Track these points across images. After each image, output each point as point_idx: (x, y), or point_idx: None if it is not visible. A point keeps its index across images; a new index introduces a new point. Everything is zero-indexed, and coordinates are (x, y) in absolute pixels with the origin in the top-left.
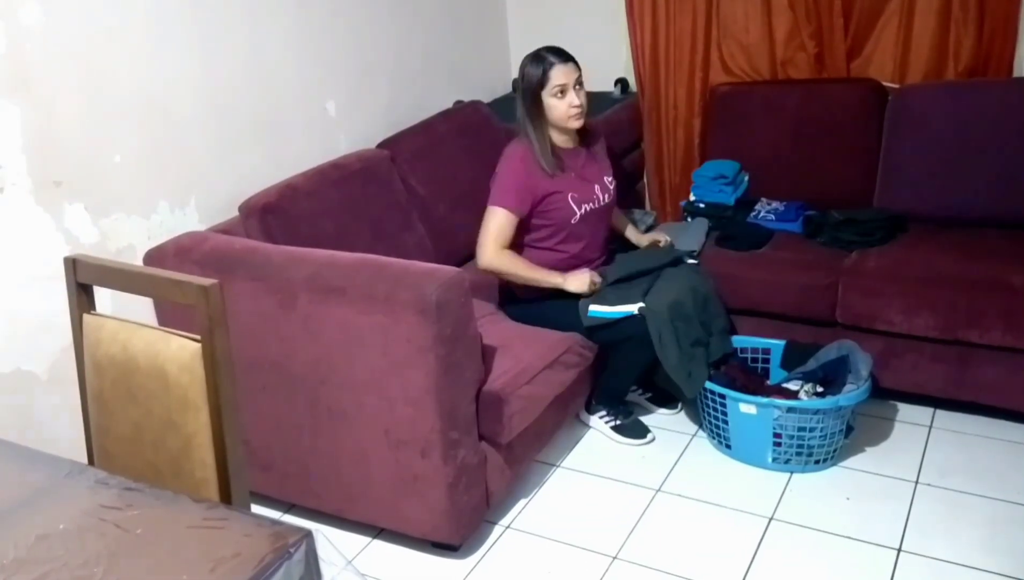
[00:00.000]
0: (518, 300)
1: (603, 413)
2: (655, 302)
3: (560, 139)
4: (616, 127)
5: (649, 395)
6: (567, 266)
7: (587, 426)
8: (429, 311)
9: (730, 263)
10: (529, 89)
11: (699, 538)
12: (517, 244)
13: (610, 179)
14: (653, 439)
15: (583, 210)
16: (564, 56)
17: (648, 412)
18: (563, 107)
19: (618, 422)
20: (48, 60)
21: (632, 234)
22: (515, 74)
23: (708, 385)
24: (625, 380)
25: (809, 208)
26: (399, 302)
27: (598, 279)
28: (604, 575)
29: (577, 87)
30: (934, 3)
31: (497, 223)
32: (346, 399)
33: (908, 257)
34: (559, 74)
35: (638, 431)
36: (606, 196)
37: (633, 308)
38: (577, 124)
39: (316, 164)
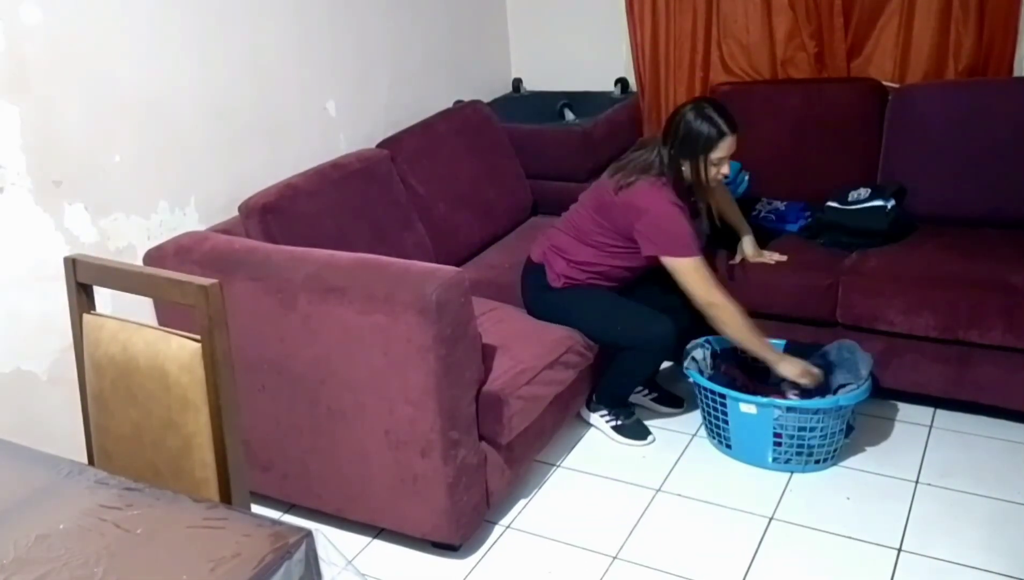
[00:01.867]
0: (551, 290)
1: (604, 412)
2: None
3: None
4: (616, 127)
5: (654, 396)
6: (616, 276)
7: (587, 424)
8: (429, 311)
9: (731, 264)
10: (693, 146)
11: (699, 538)
12: (586, 242)
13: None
14: (653, 440)
15: None
16: (734, 127)
17: (653, 413)
18: (714, 172)
19: (619, 422)
20: (48, 60)
21: (748, 246)
22: (515, 74)
23: (708, 385)
24: (629, 384)
25: (810, 208)
26: (399, 302)
27: (815, 370)
28: (604, 575)
29: (731, 159)
30: (934, 3)
31: (702, 273)
32: (346, 399)
33: (908, 257)
34: (727, 146)
35: (639, 432)
36: (702, 240)
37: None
38: (715, 185)
39: (316, 164)
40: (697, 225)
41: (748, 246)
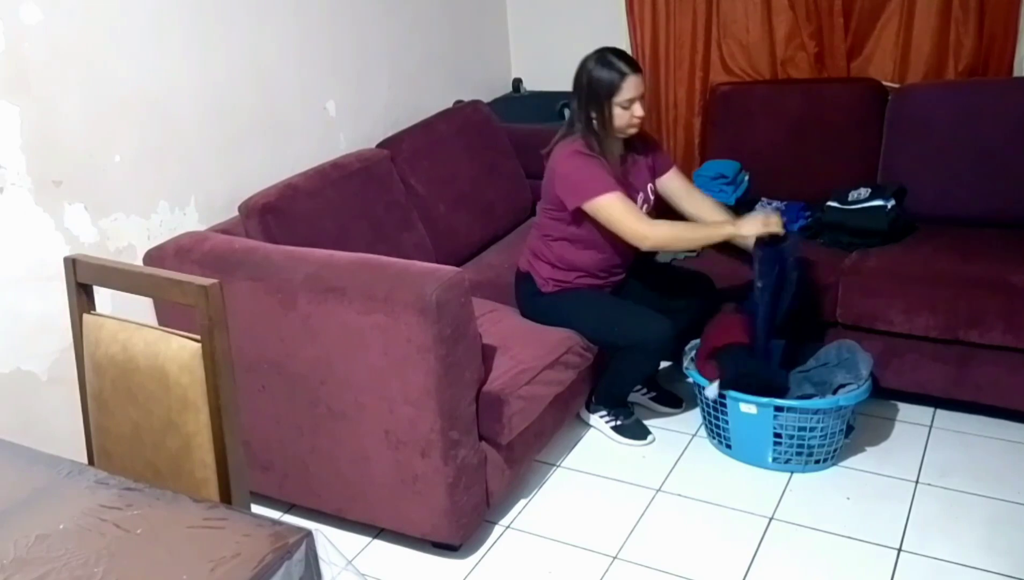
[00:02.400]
0: (543, 296)
1: (603, 413)
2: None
3: (610, 144)
4: None
5: (653, 395)
6: (596, 267)
7: (587, 424)
8: (429, 311)
9: (730, 263)
10: (595, 91)
11: (699, 538)
12: (551, 237)
13: (653, 188)
14: (653, 440)
15: None
16: (636, 67)
17: (652, 412)
18: (626, 117)
19: (619, 422)
20: (48, 60)
21: (747, 225)
22: (515, 74)
23: (708, 384)
24: (627, 384)
25: (810, 207)
26: (399, 302)
27: (773, 217)
28: (604, 575)
29: (641, 99)
30: (934, 3)
31: (620, 206)
32: (346, 399)
33: (908, 257)
34: (631, 87)
35: (639, 432)
36: (646, 206)
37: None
38: (633, 132)
39: (316, 164)
40: (623, 172)
41: (747, 226)
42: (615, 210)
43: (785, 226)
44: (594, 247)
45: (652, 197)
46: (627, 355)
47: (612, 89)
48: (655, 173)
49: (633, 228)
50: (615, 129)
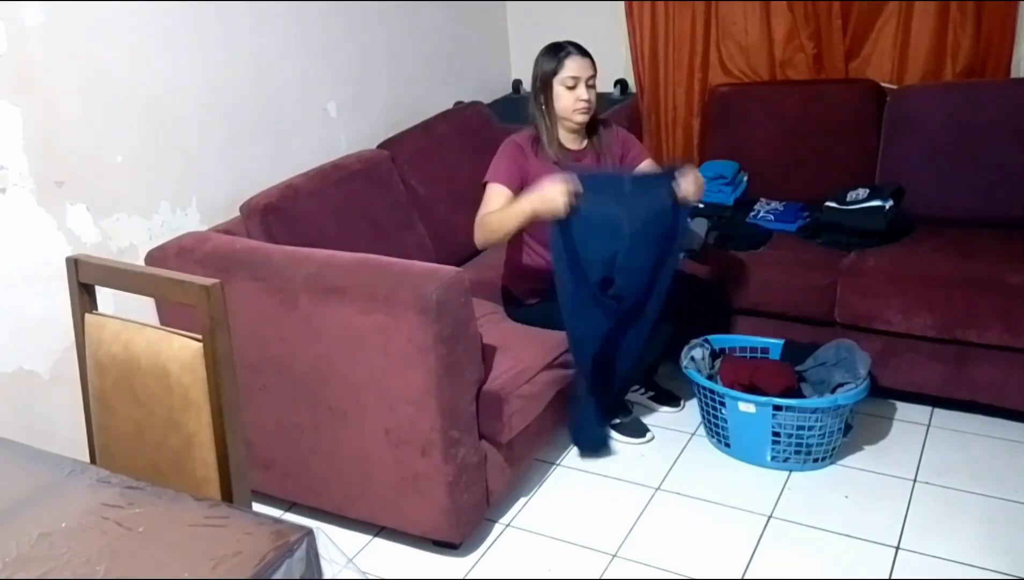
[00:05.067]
0: (520, 302)
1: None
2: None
3: (566, 137)
4: None
5: (651, 394)
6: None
7: None
8: (429, 311)
9: (729, 263)
10: (541, 76)
11: (698, 536)
12: (518, 241)
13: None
14: (652, 438)
15: None
16: (582, 51)
17: (651, 411)
18: (571, 99)
19: (617, 421)
20: (50, 61)
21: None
22: (515, 75)
23: (707, 384)
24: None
25: (808, 208)
26: (399, 302)
27: (573, 188)
28: (604, 573)
29: (589, 84)
30: (932, 4)
31: (490, 198)
32: (347, 398)
33: (906, 257)
34: (573, 66)
35: (637, 430)
36: None
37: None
38: (582, 119)
39: (317, 164)
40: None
41: (532, 199)
42: (486, 200)
43: (590, 180)
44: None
45: None
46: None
47: (555, 68)
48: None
49: (476, 221)
50: (561, 112)
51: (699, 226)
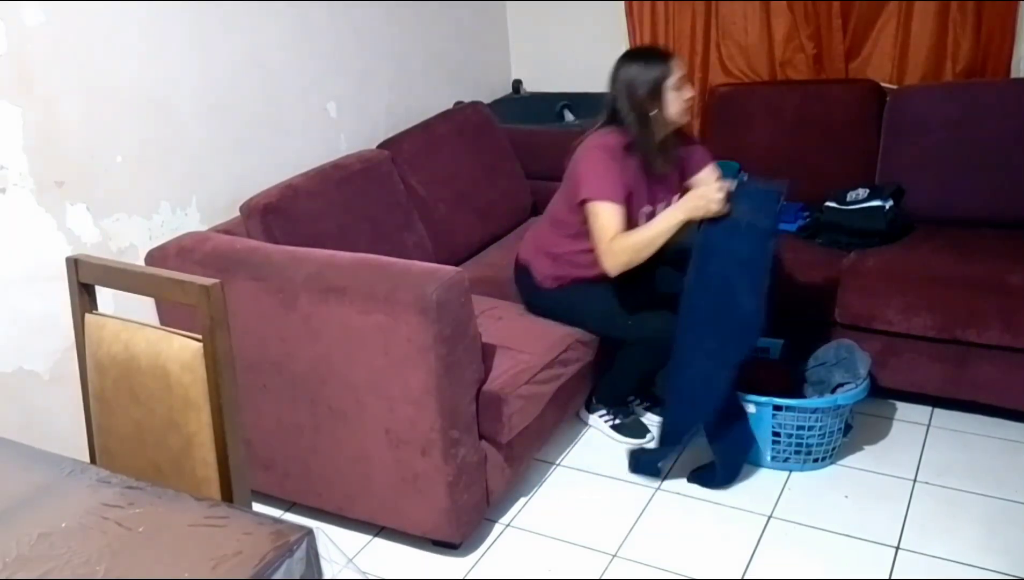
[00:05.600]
0: (542, 291)
1: (603, 412)
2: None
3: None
4: None
5: (647, 405)
6: (596, 277)
7: (586, 424)
8: (429, 311)
9: None
10: (651, 83)
11: (698, 536)
12: (568, 233)
13: (676, 198)
14: (652, 439)
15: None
16: (669, 52)
17: (649, 421)
18: (680, 101)
19: (618, 421)
20: (50, 61)
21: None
22: (515, 75)
23: None
24: (628, 381)
25: (808, 208)
26: (399, 302)
27: (717, 196)
28: (604, 573)
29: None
30: (932, 5)
31: (605, 219)
32: (347, 398)
33: (906, 257)
34: (678, 67)
35: (638, 430)
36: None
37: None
38: (687, 118)
39: (317, 164)
40: (646, 190)
41: (684, 209)
42: (601, 220)
43: (738, 198)
44: (590, 256)
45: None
46: (633, 350)
47: (664, 73)
48: (686, 175)
49: (602, 250)
50: (674, 116)
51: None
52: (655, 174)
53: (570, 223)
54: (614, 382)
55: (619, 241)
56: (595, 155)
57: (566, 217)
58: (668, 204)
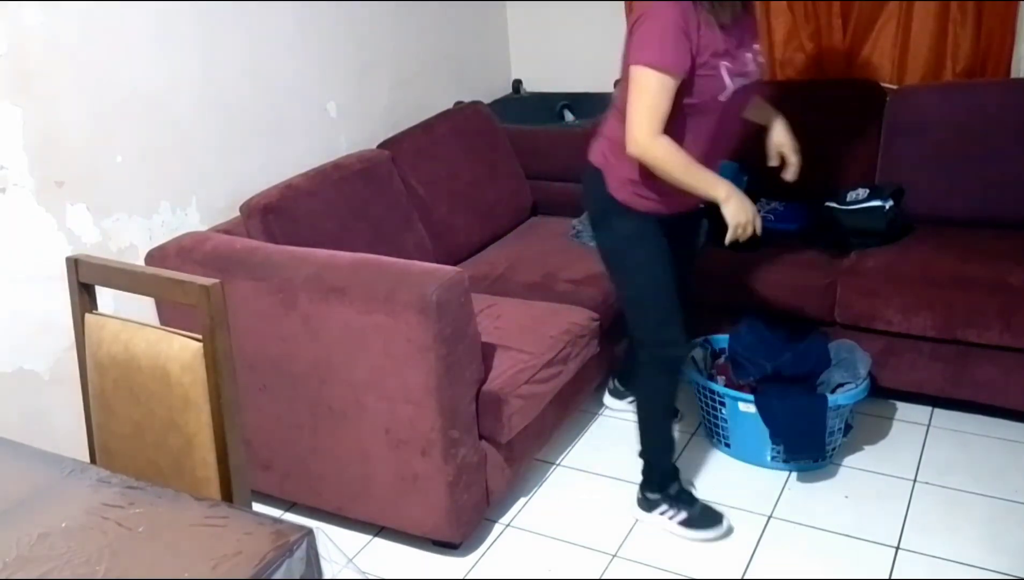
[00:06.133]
0: (611, 202)
1: (663, 508)
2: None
3: None
4: None
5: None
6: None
7: (648, 523)
8: (429, 311)
9: (730, 263)
10: None
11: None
12: (681, 124)
13: (759, 48)
14: (730, 527)
15: (735, 84)
16: None
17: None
18: None
19: (684, 514)
20: (50, 61)
21: (778, 133)
22: (515, 75)
23: (707, 384)
24: (660, 429)
25: (808, 208)
26: (399, 302)
27: (759, 225)
28: (604, 572)
29: None
30: (932, 5)
31: (653, 92)
32: (347, 398)
33: (906, 257)
34: None
35: (711, 519)
36: (757, 69)
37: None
38: None
39: (317, 164)
40: (725, 40)
41: (778, 133)
42: (643, 94)
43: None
44: (679, 133)
45: (760, 62)
46: (648, 372)
47: None
48: (746, 41)
49: (638, 121)
50: None
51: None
52: (724, 25)
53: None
54: (649, 445)
55: (663, 143)
56: (664, 11)
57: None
58: (736, 59)
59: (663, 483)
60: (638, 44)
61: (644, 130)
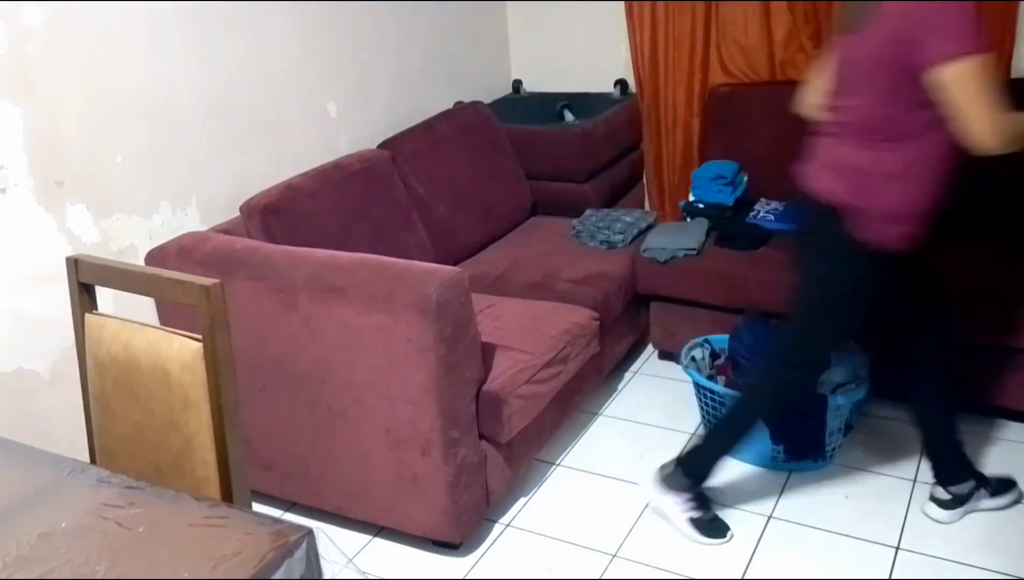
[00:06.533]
0: (848, 270)
1: (686, 497)
2: None
3: None
4: (615, 128)
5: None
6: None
7: (657, 496)
8: (429, 311)
9: (729, 263)
10: None
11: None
12: (893, 136)
13: None
14: (732, 537)
15: None
16: None
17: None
18: None
19: (697, 514)
20: (50, 61)
21: None
22: (515, 75)
23: (708, 384)
24: (736, 434)
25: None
26: (399, 302)
27: None
28: (604, 573)
29: None
30: None
31: (982, 77)
32: (347, 398)
33: None
34: None
35: (718, 528)
36: None
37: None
38: None
39: (317, 164)
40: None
41: None
42: (972, 81)
43: None
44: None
45: None
46: (776, 380)
47: None
48: None
49: (984, 117)
50: None
51: (699, 226)
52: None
53: (907, 121)
54: (721, 437)
55: (1004, 119)
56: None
57: (902, 102)
58: None
59: (700, 476)
60: (952, 32)
61: (993, 119)
